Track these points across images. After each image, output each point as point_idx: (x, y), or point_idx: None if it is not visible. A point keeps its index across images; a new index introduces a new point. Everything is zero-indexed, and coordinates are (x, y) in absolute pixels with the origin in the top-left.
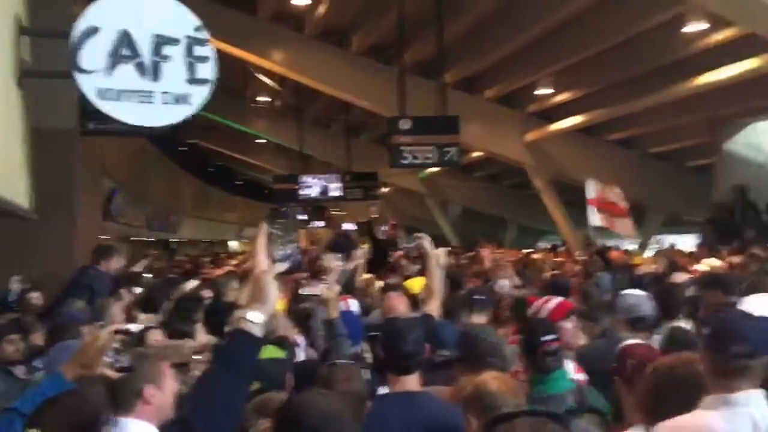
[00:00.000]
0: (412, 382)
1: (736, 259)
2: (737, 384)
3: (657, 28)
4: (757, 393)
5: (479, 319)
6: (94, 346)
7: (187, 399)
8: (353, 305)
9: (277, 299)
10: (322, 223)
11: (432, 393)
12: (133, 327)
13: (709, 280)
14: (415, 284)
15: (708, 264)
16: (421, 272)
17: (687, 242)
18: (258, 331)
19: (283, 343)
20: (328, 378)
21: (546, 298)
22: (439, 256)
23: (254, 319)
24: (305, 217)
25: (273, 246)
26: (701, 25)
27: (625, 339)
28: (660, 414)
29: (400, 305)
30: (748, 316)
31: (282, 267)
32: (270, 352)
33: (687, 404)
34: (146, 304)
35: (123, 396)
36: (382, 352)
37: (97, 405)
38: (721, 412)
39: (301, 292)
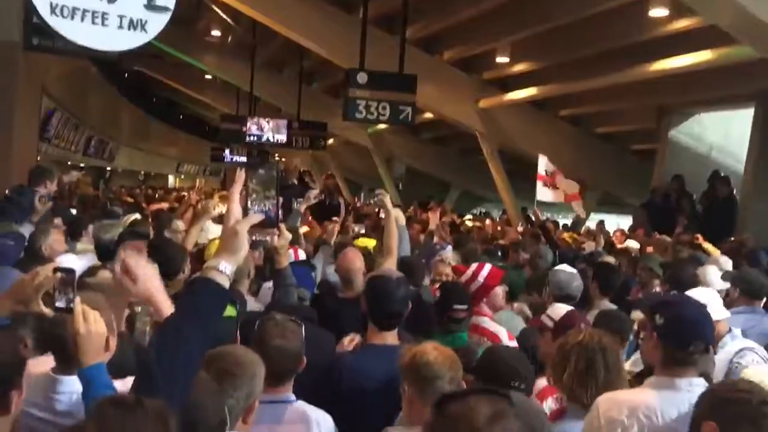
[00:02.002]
0: (392, 336)
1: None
2: (683, 371)
3: (620, 9)
4: (699, 381)
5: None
6: (32, 283)
7: (148, 347)
8: (302, 254)
9: (246, 251)
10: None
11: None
12: (78, 264)
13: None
14: (368, 243)
15: (628, 246)
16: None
17: (621, 224)
18: (226, 283)
19: (233, 299)
20: (260, 334)
21: (479, 264)
22: (398, 217)
23: (224, 269)
24: (244, 159)
25: (250, 201)
26: (663, 11)
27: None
28: (580, 390)
29: (357, 261)
30: (702, 311)
31: (257, 218)
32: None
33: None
34: (73, 229)
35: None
36: (368, 308)
37: (14, 350)
38: (662, 393)
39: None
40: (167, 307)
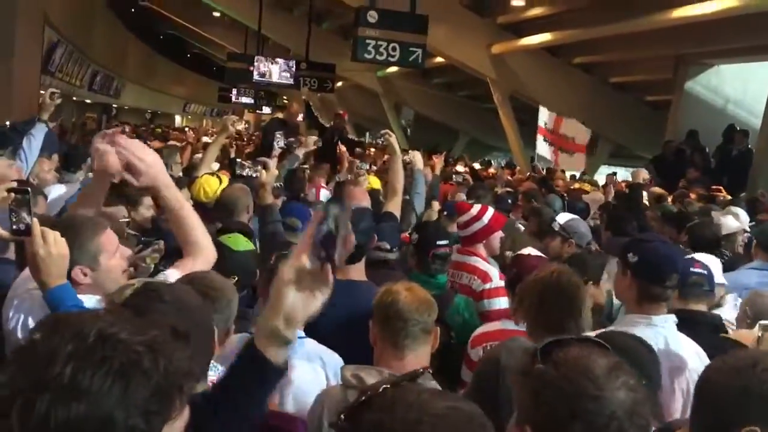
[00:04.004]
0: (355, 271)
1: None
2: (657, 308)
3: None
4: (671, 317)
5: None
6: None
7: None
8: (324, 195)
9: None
10: (269, 109)
11: (373, 284)
12: (64, 191)
13: (668, 215)
14: (372, 181)
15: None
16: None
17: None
18: (283, 363)
19: (247, 231)
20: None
21: (484, 205)
22: (416, 160)
23: (287, 347)
24: (251, 100)
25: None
26: None
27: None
28: (544, 323)
29: (363, 201)
30: (673, 248)
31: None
32: (242, 242)
33: (568, 313)
34: (70, 161)
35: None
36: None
37: None
38: (641, 330)
39: (238, 171)
40: (176, 193)
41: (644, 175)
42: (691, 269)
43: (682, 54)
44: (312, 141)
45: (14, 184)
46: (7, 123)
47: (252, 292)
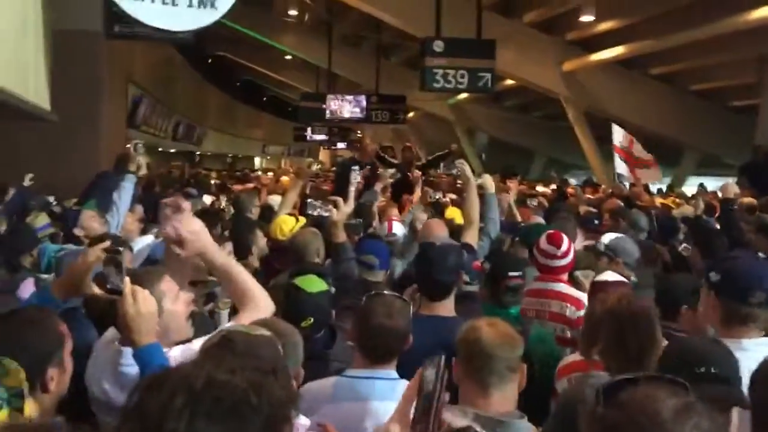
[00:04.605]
0: (442, 307)
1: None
2: (746, 330)
3: None
4: (765, 340)
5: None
6: (82, 266)
7: None
8: (397, 228)
9: None
10: (343, 144)
11: (460, 319)
12: (146, 243)
13: (762, 226)
14: (452, 213)
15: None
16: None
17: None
18: None
19: (322, 272)
20: (365, 312)
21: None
22: (487, 184)
23: None
24: (325, 137)
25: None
26: None
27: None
28: (622, 357)
29: (441, 232)
30: (759, 262)
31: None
32: (317, 283)
33: (647, 345)
34: (154, 213)
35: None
36: (416, 277)
37: (51, 328)
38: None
39: (309, 212)
40: (221, 258)
41: (735, 189)
42: None
43: (766, 55)
44: (389, 174)
45: (107, 244)
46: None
47: (330, 333)
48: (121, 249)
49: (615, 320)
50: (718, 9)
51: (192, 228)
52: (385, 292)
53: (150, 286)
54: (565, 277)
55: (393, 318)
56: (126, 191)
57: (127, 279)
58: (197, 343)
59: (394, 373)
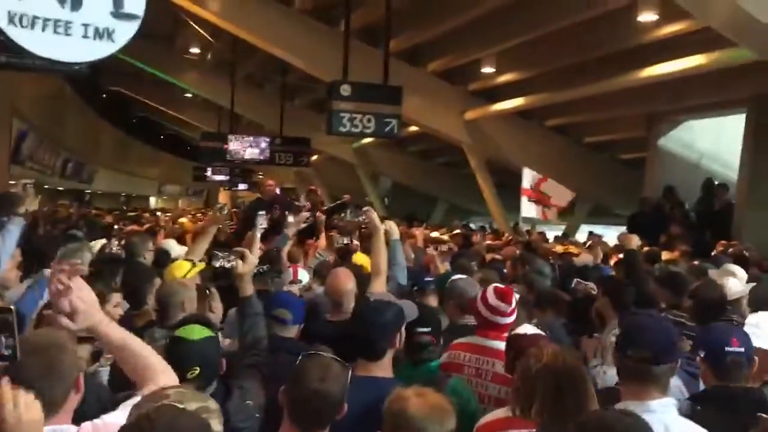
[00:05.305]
0: (378, 368)
1: (666, 256)
2: (648, 391)
3: (607, 15)
4: (669, 400)
5: (432, 301)
6: None
7: None
8: (302, 275)
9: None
10: (245, 186)
11: (397, 382)
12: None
13: (664, 278)
14: (360, 259)
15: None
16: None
17: (610, 235)
18: None
19: (209, 323)
20: (299, 373)
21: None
22: (392, 230)
23: None
24: (226, 178)
25: None
26: (652, 16)
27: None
28: (556, 413)
29: (349, 282)
30: (657, 321)
31: None
32: (199, 331)
33: (580, 403)
34: (38, 259)
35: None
36: (353, 334)
37: None
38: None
39: (213, 263)
40: (117, 332)
41: (636, 240)
42: (727, 348)
43: (654, 112)
44: (304, 217)
45: None
46: None
47: (225, 388)
48: (12, 308)
49: (552, 376)
50: (611, 66)
51: (86, 298)
52: (322, 353)
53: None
54: (506, 335)
55: (328, 382)
56: (11, 235)
57: (4, 382)
58: (109, 419)
59: None
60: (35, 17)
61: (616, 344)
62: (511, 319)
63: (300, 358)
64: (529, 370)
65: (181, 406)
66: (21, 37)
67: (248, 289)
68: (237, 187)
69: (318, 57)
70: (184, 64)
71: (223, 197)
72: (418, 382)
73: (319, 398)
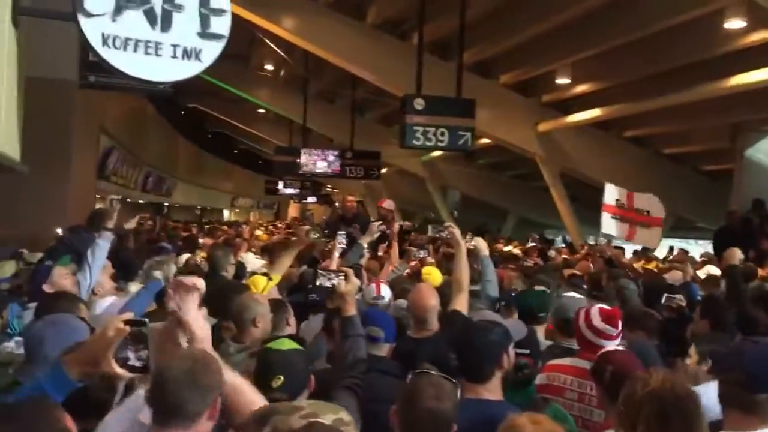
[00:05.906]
0: (487, 391)
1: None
2: (750, 421)
3: (692, 22)
4: None
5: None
6: (102, 340)
7: None
8: (385, 291)
9: None
10: (314, 199)
11: (508, 405)
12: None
13: (758, 297)
14: (434, 273)
15: (707, 272)
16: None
17: (691, 250)
18: None
19: (298, 339)
20: (411, 392)
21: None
22: (480, 247)
23: None
24: (297, 191)
25: None
26: (739, 23)
27: None
28: None
29: (432, 299)
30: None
31: None
32: (287, 343)
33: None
34: (126, 270)
35: None
36: (458, 357)
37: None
38: None
39: (319, 282)
40: (228, 372)
41: (739, 255)
42: None
43: (739, 122)
44: (375, 227)
45: (129, 315)
46: (58, 230)
47: None
48: (146, 321)
49: (658, 402)
50: (693, 76)
51: (203, 327)
52: (431, 371)
53: None
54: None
55: (442, 401)
56: (101, 250)
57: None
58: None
59: None
60: (127, 39)
61: (736, 379)
62: (617, 343)
63: (410, 377)
64: (635, 395)
65: (322, 421)
66: (114, 58)
67: (351, 309)
68: (306, 199)
69: (390, 71)
70: (258, 81)
71: (293, 210)
72: (515, 405)
73: (433, 417)
